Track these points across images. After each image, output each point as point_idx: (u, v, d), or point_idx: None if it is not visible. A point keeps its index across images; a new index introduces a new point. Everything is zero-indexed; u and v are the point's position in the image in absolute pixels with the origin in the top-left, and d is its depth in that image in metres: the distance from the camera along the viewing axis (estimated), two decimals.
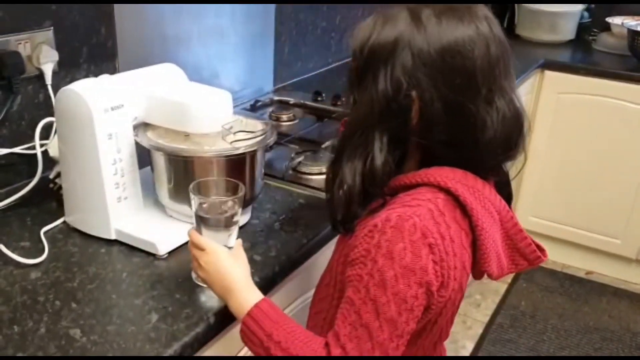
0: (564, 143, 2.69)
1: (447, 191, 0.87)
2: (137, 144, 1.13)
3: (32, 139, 1.32)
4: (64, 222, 1.21)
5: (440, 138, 0.88)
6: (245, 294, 0.92)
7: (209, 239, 0.96)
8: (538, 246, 0.97)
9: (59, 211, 1.23)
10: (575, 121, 2.66)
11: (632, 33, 2.59)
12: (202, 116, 1.09)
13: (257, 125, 1.19)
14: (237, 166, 1.13)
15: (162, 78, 1.20)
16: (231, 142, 1.09)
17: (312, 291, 1.10)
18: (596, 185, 2.70)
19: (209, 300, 1.00)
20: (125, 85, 1.13)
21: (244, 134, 1.12)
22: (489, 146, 0.88)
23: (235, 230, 0.99)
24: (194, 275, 1.04)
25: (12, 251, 1.08)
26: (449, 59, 0.84)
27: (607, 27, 2.92)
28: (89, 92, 1.06)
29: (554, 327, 2.51)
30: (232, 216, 0.97)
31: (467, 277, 0.91)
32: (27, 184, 1.28)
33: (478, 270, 0.93)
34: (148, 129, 1.16)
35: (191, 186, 0.96)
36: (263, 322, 0.87)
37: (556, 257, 2.90)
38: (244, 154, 1.10)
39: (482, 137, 0.87)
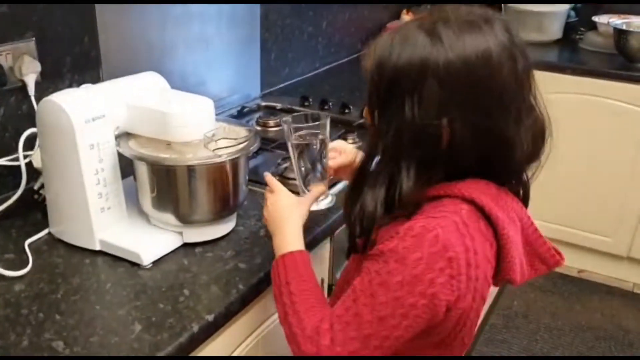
0: (553, 142, 2.69)
1: (470, 202, 0.86)
2: (120, 154, 1.13)
3: (16, 150, 1.31)
4: (49, 233, 1.20)
5: (470, 161, 0.88)
6: (290, 239, 0.99)
7: (279, 184, 1.06)
8: (555, 250, 0.98)
9: (44, 222, 1.23)
10: (563, 121, 2.63)
11: (618, 32, 2.59)
12: (183, 125, 1.09)
13: (240, 132, 1.19)
14: (220, 174, 1.13)
15: (144, 87, 1.20)
16: (213, 150, 1.09)
17: None
18: (586, 184, 2.71)
19: (193, 309, 1.00)
20: (106, 95, 1.13)
21: (227, 141, 1.12)
22: (518, 162, 0.89)
23: (326, 166, 1.12)
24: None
25: None
26: (476, 83, 0.82)
27: (593, 26, 2.93)
28: (70, 103, 1.06)
29: (547, 326, 2.51)
30: (322, 143, 1.10)
31: (488, 287, 0.90)
32: (11, 196, 1.28)
33: (500, 278, 0.92)
34: (130, 139, 1.15)
35: (287, 118, 1.10)
36: (289, 269, 0.94)
37: None
38: (226, 161, 1.10)
39: (512, 155, 0.87)
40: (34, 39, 1.30)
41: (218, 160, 1.09)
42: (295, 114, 1.16)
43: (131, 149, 1.12)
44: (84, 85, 1.19)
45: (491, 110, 0.83)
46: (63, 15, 1.34)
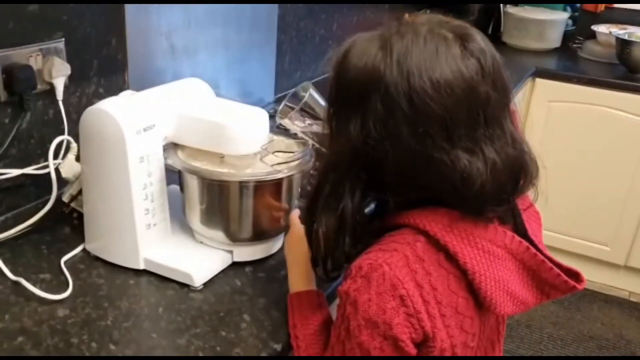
0: (554, 151, 2.69)
1: (427, 234, 0.79)
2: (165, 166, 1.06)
3: (40, 158, 1.23)
4: (84, 249, 1.12)
5: (415, 190, 0.81)
6: (295, 276, 0.96)
7: (295, 217, 0.99)
8: (571, 272, 0.87)
9: (75, 237, 1.14)
10: (565, 129, 2.67)
11: (622, 42, 2.61)
12: (240, 137, 1.02)
13: (291, 145, 1.13)
14: (277, 189, 1.06)
15: (189, 94, 1.12)
16: (272, 165, 1.03)
17: None
18: (586, 192, 2.71)
19: (259, 337, 0.93)
20: (154, 104, 1.05)
21: (283, 155, 1.06)
22: (477, 197, 0.77)
23: None
24: None
25: (33, 285, 0.99)
26: (417, 104, 0.74)
27: (591, 35, 2.95)
28: (121, 112, 0.98)
29: (550, 336, 2.51)
30: None
31: (470, 318, 0.82)
32: (36, 208, 1.19)
33: (485, 309, 0.84)
34: (177, 150, 1.08)
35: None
36: (295, 311, 0.92)
37: None
38: (286, 177, 1.04)
39: (467, 189, 0.76)
40: (63, 39, 1.21)
41: (279, 175, 1.02)
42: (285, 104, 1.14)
43: (182, 161, 1.04)
44: (125, 92, 1.11)
45: (430, 136, 0.75)
46: (92, 14, 1.25)
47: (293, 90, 1.13)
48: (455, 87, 0.74)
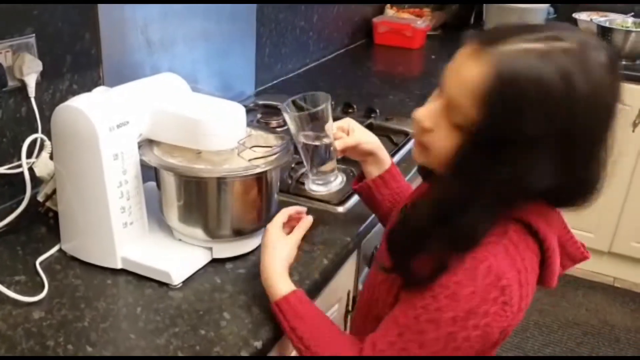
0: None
1: (517, 220, 0.81)
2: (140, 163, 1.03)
3: (13, 157, 1.21)
4: (60, 250, 1.09)
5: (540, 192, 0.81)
6: (276, 280, 0.93)
7: (278, 219, 1.00)
8: (582, 245, 0.94)
9: (51, 237, 1.12)
10: None
11: (602, 29, 2.61)
12: (216, 133, 1.00)
13: (269, 139, 1.11)
14: (256, 185, 1.04)
15: (165, 89, 1.10)
16: (250, 160, 1.01)
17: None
18: None
19: (239, 335, 0.92)
20: (128, 100, 1.03)
21: (261, 149, 1.04)
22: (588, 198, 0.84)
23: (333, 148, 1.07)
24: None
25: (8, 287, 0.97)
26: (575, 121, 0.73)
27: (573, 23, 2.94)
28: (93, 109, 0.95)
29: (536, 323, 2.52)
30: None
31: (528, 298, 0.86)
32: (10, 208, 1.16)
33: (539, 285, 0.88)
34: (153, 146, 1.06)
35: (289, 111, 1.04)
36: (289, 315, 0.89)
37: None
38: (264, 171, 1.02)
39: (588, 193, 0.84)
40: (34, 35, 1.18)
41: (257, 170, 1.00)
42: (293, 99, 1.05)
43: (159, 158, 1.02)
44: (98, 88, 1.09)
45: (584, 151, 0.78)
46: (64, 8, 1.23)
47: (311, 93, 1.05)
48: (609, 93, 0.76)
